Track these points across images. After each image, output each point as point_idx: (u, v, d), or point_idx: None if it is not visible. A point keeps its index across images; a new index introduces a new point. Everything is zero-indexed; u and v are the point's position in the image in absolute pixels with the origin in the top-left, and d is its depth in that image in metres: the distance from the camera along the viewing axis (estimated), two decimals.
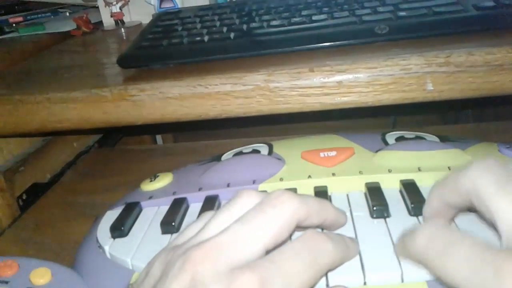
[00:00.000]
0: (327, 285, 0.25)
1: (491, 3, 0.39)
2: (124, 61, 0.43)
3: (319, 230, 0.28)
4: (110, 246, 0.33)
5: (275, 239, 0.22)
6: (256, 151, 0.41)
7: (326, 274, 0.26)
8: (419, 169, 0.34)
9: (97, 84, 0.40)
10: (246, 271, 0.21)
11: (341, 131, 0.44)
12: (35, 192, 0.52)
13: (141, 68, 0.43)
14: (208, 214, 0.26)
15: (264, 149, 0.41)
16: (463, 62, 0.33)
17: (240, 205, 0.24)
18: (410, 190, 0.32)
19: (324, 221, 0.25)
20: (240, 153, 0.41)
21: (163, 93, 0.38)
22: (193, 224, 0.26)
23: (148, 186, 0.39)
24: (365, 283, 0.25)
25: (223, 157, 0.42)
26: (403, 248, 0.24)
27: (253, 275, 0.20)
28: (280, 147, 0.41)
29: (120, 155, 0.60)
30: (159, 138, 0.91)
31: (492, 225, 0.21)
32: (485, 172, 0.22)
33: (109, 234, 0.34)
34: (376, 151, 0.37)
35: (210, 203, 0.35)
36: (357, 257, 0.27)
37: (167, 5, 0.64)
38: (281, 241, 0.23)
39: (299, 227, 0.24)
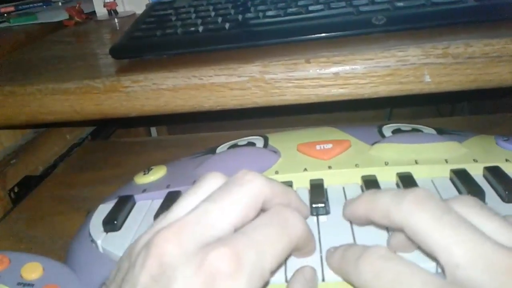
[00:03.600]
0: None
1: None
2: (117, 52, 0.42)
3: None
4: (102, 240, 0.32)
5: (242, 217, 0.22)
6: (251, 144, 0.40)
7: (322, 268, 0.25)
8: (416, 162, 0.33)
9: (89, 75, 0.40)
10: (218, 246, 0.20)
11: (337, 123, 0.43)
12: (27, 184, 0.52)
13: (134, 59, 0.42)
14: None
15: (259, 142, 0.41)
16: (461, 54, 0.33)
17: (206, 187, 0.24)
18: (407, 183, 0.32)
19: (289, 205, 0.25)
20: (235, 145, 0.41)
21: (157, 85, 0.38)
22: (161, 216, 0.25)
23: (142, 179, 0.39)
24: None
25: (218, 150, 0.41)
26: (342, 271, 0.24)
27: (225, 248, 0.20)
28: (276, 139, 0.41)
29: (114, 147, 0.59)
30: (153, 130, 0.90)
31: (429, 255, 0.21)
32: (418, 207, 0.21)
33: (101, 228, 0.33)
34: (373, 144, 0.37)
35: None
36: None
37: None
38: (248, 220, 0.22)
39: (264, 209, 0.23)
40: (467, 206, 0.21)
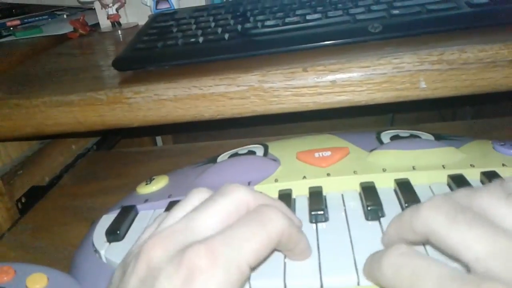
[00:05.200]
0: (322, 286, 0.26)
1: (484, 0, 0.39)
2: (119, 64, 0.43)
3: None
4: (106, 250, 0.33)
5: (224, 222, 0.23)
6: (251, 152, 0.41)
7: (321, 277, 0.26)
8: (414, 168, 0.34)
9: (93, 87, 0.41)
10: (195, 245, 0.21)
11: (339, 129, 0.44)
12: (34, 195, 0.53)
13: (137, 70, 0.43)
14: (163, 215, 0.27)
15: (259, 150, 0.41)
16: (456, 60, 0.34)
17: (192, 201, 0.26)
18: (404, 189, 0.32)
19: None
20: (236, 154, 0.41)
21: (158, 95, 0.38)
22: (149, 227, 0.27)
23: (144, 189, 0.40)
24: (358, 283, 0.25)
25: (219, 159, 0.42)
26: (370, 274, 0.24)
27: (201, 246, 0.21)
28: (276, 148, 0.41)
29: (118, 157, 0.60)
30: (159, 139, 0.91)
31: (455, 259, 0.21)
32: (434, 211, 0.22)
33: (104, 238, 0.34)
34: (371, 151, 0.37)
35: None
36: (350, 257, 0.27)
37: (163, 6, 0.65)
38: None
39: None
40: (491, 198, 0.22)
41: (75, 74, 0.47)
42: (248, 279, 0.23)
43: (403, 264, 0.21)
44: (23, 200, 0.51)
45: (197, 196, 0.26)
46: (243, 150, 0.42)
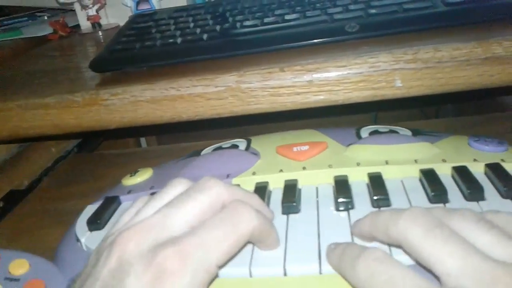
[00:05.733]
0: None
1: None
2: (96, 65, 0.43)
3: None
4: (86, 238, 0.34)
5: (199, 219, 0.24)
6: (234, 146, 0.42)
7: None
8: (387, 162, 0.34)
9: (69, 89, 0.40)
10: (167, 246, 0.22)
11: (322, 128, 0.44)
12: (13, 199, 0.52)
13: (115, 71, 0.43)
14: (142, 200, 0.28)
15: (242, 144, 0.42)
16: (430, 58, 0.34)
17: (171, 193, 0.26)
18: (375, 183, 0.32)
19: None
20: (219, 148, 0.42)
21: (135, 97, 0.38)
22: (127, 212, 0.27)
23: (128, 181, 0.41)
24: (320, 272, 0.26)
25: (203, 152, 0.42)
26: (340, 269, 0.25)
27: (172, 248, 0.22)
28: (257, 142, 0.42)
29: (99, 160, 0.59)
30: (143, 141, 0.90)
31: (427, 268, 0.22)
32: (412, 223, 0.22)
33: (86, 227, 0.35)
34: (348, 145, 0.37)
35: None
36: (315, 247, 0.27)
37: (144, 7, 0.64)
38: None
39: None
40: (464, 221, 0.23)
41: (54, 76, 0.47)
42: (216, 277, 0.24)
43: (378, 270, 0.22)
44: (1, 205, 0.51)
45: (177, 188, 0.27)
46: (226, 144, 0.43)
